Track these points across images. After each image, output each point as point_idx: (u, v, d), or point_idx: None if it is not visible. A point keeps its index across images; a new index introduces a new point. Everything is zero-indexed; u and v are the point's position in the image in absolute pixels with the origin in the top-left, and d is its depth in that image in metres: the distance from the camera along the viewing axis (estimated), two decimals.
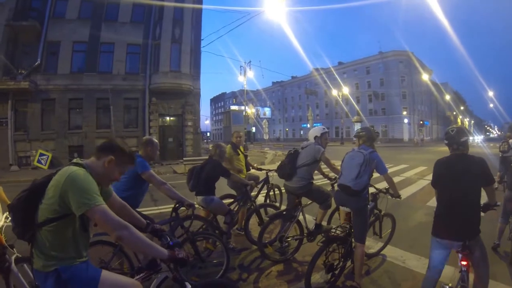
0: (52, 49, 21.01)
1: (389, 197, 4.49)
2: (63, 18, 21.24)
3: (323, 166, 5.39)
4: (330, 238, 3.87)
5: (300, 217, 5.02)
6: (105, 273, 2.11)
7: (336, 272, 3.97)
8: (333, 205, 5.13)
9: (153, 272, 2.35)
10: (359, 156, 3.96)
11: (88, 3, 21.86)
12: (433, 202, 8.03)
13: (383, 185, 4.59)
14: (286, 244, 4.89)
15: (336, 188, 4.40)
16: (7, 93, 19.25)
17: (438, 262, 3.04)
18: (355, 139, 4.67)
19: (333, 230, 4.01)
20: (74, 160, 2.14)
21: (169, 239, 2.42)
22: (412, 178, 12.90)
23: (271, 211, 5.80)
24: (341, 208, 4.39)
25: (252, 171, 7.39)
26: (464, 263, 2.85)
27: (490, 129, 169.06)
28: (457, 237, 2.87)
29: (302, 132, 79.41)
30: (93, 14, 21.90)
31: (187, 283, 2.29)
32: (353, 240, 4.06)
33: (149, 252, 2.05)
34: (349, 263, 4.13)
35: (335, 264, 3.96)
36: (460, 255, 2.87)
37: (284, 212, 5.07)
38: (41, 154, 19.07)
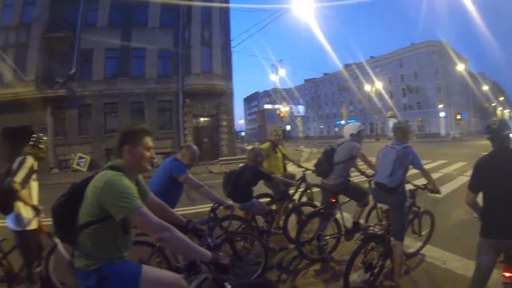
0: (85, 57, 21.86)
1: (428, 193, 4.36)
2: (94, 27, 22.13)
3: (360, 163, 5.30)
4: (368, 236, 3.85)
5: (338, 215, 4.94)
6: (146, 268, 2.12)
7: (375, 271, 3.88)
8: (371, 203, 5.08)
9: (193, 273, 2.31)
10: (392, 152, 3.91)
11: (117, 11, 22.58)
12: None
13: (421, 181, 4.47)
14: (324, 242, 4.81)
15: (373, 185, 4.30)
16: (46, 101, 20.22)
17: (486, 266, 2.82)
18: (391, 134, 4.53)
19: (372, 228, 4.05)
20: (110, 163, 2.15)
21: (209, 240, 2.41)
22: (451, 174, 12.40)
23: (308, 210, 5.64)
24: (379, 205, 4.39)
25: (289, 169, 7.30)
26: (507, 274, 2.69)
27: None
28: (506, 236, 2.68)
29: (336, 129, 77.81)
30: (123, 21, 22.59)
31: (226, 284, 2.23)
32: (391, 238, 3.96)
33: (191, 254, 2.04)
34: (388, 262, 4.02)
35: (374, 263, 3.86)
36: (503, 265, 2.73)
37: (322, 210, 5.01)
38: (80, 157, 20.02)
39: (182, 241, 1.93)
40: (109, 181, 1.93)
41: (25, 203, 3.59)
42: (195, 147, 4.26)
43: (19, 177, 3.53)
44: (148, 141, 2.22)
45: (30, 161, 3.73)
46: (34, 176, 3.85)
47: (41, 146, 3.98)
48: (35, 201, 3.79)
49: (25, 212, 3.65)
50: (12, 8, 21.10)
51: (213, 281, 2.23)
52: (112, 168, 2.08)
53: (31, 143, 3.95)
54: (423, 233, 4.85)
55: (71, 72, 20.98)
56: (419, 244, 4.92)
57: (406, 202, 4.15)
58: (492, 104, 79.79)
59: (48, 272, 3.84)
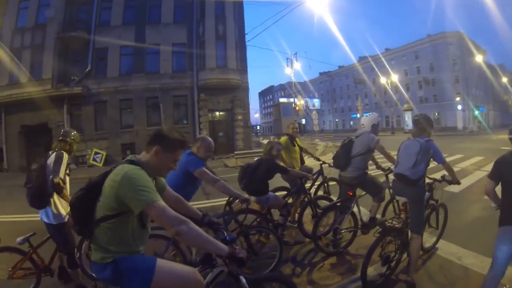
0: (100, 55, 22.32)
1: (447, 185, 4.39)
2: (108, 25, 22.60)
3: (376, 156, 5.34)
4: (387, 228, 3.84)
5: (354, 209, 4.95)
6: (160, 261, 2.15)
7: (392, 264, 3.91)
8: (387, 197, 5.14)
9: (208, 267, 2.33)
10: (415, 144, 3.88)
11: (130, 9, 23.01)
12: None
13: (437, 175, 4.51)
14: (340, 236, 4.81)
15: (390, 178, 4.44)
16: (62, 98, 20.81)
17: (503, 258, 2.86)
18: (407, 128, 4.48)
19: (389, 221, 4.00)
20: (128, 157, 2.17)
21: (225, 234, 2.41)
22: (468, 169, 12.03)
23: (324, 203, 5.66)
24: (397, 198, 4.36)
25: (307, 162, 7.31)
26: None
27: None
28: None
29: (352, 123, 77.49)
30: (136, 19, 22.93)
31: (241, 277, 2.29)
32: (409, 232, 4.00)
33: (208, 248, 2.05)
34: (405, 255, 4.03)
35: (391, 256, 3.88)
36: None
37: (338, 204, 5.02)
38: (96, 153, 20.47)
39: (199, 234, 1.94)
40: (127, 174, 1.96)
41: (67, 199, 3.64)
42: (209, 138, 4.21)
43: (62, 173, 3.61)
44: (179, 154, 2.24)
45: (66, 156, 3.80)
46: (67, 171, 3.91)
47: (69, 140, 4.00)
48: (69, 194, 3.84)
49: (61, 205, 3.70)
50: (27, 10, 21.62)
51: (228, 274, 2.28)
52: (131, 162, 2.11)
53: (60, 138, 4.00)
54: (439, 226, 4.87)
55: (86, 70, 21.41)
56: (434, 239, 4.89)
57: (425, 196, 4.14)
58: None
59: (80, 259, 3.94)
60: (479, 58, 50.18)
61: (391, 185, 4.50)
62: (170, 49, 22.95)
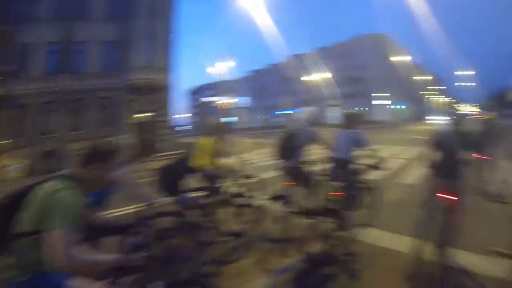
0: (25, 52, 20.43)
1: (372, 170, 5.06)
2: (35, 19, 20.67)
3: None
4: (326, 210, 4.42)
5: (297, 197, 5.21)
6: (72, 282, 2.00)
7: (332, 241, 4.32)
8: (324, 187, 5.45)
9: (122, 275, 2.24)
10: (349, 135, 4.84)
11: (59, 2, 21.28)
12: (405, 180, 8.84)
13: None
14: (289, 223, 4.93)
15: (323, 167, 5.10)
16: None
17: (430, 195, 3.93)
18: (334, 122, 5.31)
19: (325, 204, 4.54)
20: (62, 172, 2.12)
21: (136, 240, 2.40)
22: (384, 158, 12.68)
23: (240, 201, 5.71)
24: (333, 183, 4.87)
25: (228, 161, 7.02)
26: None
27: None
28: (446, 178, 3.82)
29: (280, 119, 78.40)
30: (65, 14, 21.27)
31: (159, 282, 2.26)
32: (344, 210, 4.49)
33: (99, 267, 2.06)
34: (341, 233, 4.41)
35: (330, 234, 4.34)
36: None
37: (283, 194, 5.10)
38: (14, 164, 18.02)
39: (85, 262, 1.95)
40: (54, 193, 1.94)
41: None
42: (132, 141, 4.26)
43: None
44: (113, 163, 2.25)
45: None
46: None
47: None
48: None
49: None
50: None
51: (143, 279, 2.24)
52: (65, 177, 2.07)
53: None
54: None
55: (7, 68, 19.49)
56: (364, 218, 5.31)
57: (355, 178, 4.85)
58: (430, 94, 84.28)
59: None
60: (403, 59, 54.03)
61: (327, 172, 5.08)
62: (99, 47, 22.05)
